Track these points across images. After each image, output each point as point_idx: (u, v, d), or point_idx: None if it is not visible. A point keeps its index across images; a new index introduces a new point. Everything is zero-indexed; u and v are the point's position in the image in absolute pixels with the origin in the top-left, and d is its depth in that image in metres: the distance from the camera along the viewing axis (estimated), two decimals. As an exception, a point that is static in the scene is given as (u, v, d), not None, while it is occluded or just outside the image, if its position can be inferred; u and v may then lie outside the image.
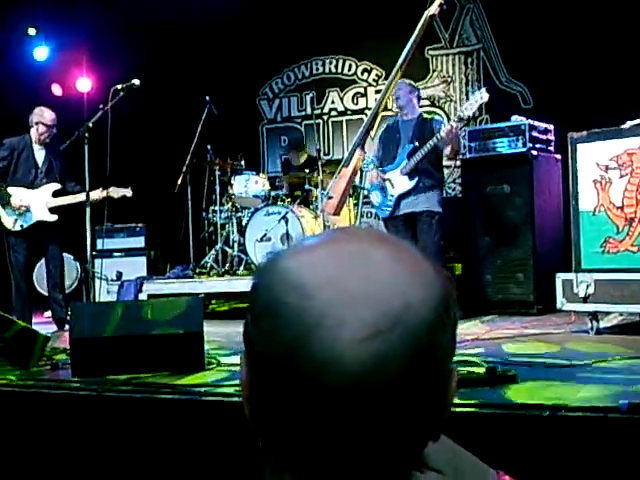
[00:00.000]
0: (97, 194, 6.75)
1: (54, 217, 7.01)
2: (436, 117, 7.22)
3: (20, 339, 4.61)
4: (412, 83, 7.32)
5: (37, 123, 6.99)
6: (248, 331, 0.77)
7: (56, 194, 7.04)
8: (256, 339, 0.75)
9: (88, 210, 6.36)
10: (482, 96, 6.29)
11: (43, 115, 6.99)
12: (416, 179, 6.54)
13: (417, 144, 6.53)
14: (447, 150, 6.54)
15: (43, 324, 7.05)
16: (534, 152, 6.81)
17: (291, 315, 0.71)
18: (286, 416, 0.73)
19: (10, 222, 6.92)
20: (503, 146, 6.92)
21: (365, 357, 0.69)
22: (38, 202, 6.96)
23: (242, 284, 7.46)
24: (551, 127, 7.17)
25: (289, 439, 0.73)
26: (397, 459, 0.74)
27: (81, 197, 6.64)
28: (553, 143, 7.16)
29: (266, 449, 0.77)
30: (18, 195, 6.90)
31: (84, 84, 10.51)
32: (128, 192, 7.07)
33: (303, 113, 10.43)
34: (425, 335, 0.72)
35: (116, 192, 6.96)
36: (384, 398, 0.70)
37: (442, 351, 0.74)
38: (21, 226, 6.93)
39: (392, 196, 6.67)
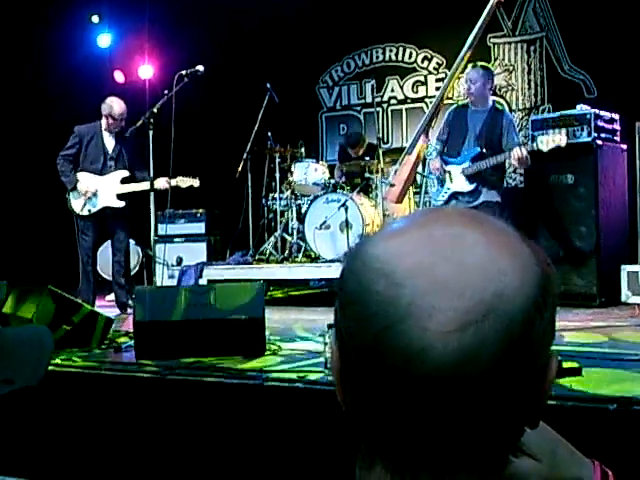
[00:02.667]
0: (164, 184, 6.85)
1: (121, 203, 7.14)
2: (507, 112, 7.10)
3: (86, 322, 4.69)
4: (488, 67, 7.15)
5: (106, 115, 7.12)
6: (337, 318, 0.75)
7: (124, 181, 7.16)
8: (344, 327, 0.73)
9: (152, 196, 6.43)
10: (561, 139, 6.18)
11: (112, 108, 7.11)
12: (475, 184, 6.50)
13: (484, 150, 6.45)
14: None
15: (105, 307, 7.16)
16: (599, 142, 6.68)
17: (380, 304, 0.69)
18: (376, 405, 0.71)
19: (78, 206, 7.08)
20: (568, 135, 6.80)
21: (456, 348, 0.67)
22: (106, 188, 7.09)
23: (301, 271, 7.48)
24: (617, 116, 7.03)
25: (379, 427, 0.72)
26: (491, 447, 0.72)
27: (147, 186, 6.74)
28: (619, 133, 7.02)
29: (358, 435, 0.76)
30: (86, 180, 7.04)
31: (146, 71, 10.61)
32: (195, 182, 7.18)
33: (362, 101, 10.39)
34: (519, 324, 0.68)
35: (183, 182, 7.07)
36: (476, 389, 0.68)
37: (538, 339, 0.71)
38: (89, 211, 7.09)
39: (448, 189, 6.63)
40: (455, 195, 6.59)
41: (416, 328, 0.67)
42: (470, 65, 6.80)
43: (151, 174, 6.56)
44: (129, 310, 6.66)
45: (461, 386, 0.68)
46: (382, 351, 0.69)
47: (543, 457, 0.95)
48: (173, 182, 6.92)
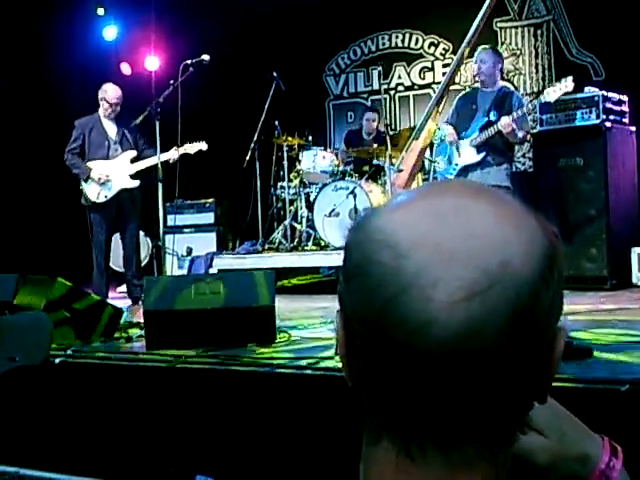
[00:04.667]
0: (173, 153, 6.90)
1: (136, 182, 7.23)
2: (517, 93, 7.10)
3: (90, 311, 4.69)
4: (498, 50, 7.15)
5: (101, 99, 7.19)
6: (340, 291, 0.75)
7: (134, 161, 7.21)
8: (347, 299, 0.73)
9: (160, 186, 6.44)
10: (567, 85, 6.19)
11: (107, 93, 7.21)
12: (484, 154, 6.50)
13: (492, 119, 6.47)
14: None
15: (117, 299, 7.19)
16: (608, 124, 6.65)
17: (384, 275, 0.68)
18: (381, 378, 0.71)
19: (94, 194, 7.13)
20: (576, 118, 6.77)
21: (460, 319, 0.66)
22: (118, 171, 7.16)
23: (311, 259, 7.49)
24: (625, 98, 6.99)
25: (385, 401, 0.72)
26: (498, 421, 0.72)
27: (156, 159, 6.79)
28: (627, 115, 6.98)
29: (364, 410, 0.76)
30: (98, 167, 7.10)
31: (152, 62, 10.60)
32: (203, 146, 7.22)
33: (370, 88, 10.37)
34: (526, 295, 0.68)
35: (191, 148, 7.12)
36: (482, 361, 0.67)
37: (544, 311, 0.70)
38: (105, 196, 7.14)
39: (457, 165, 6.63)
40: (465, 169, 6.60)
41: (420, 298, 0.67)
42: (480, 47, 6.80)
43: (159, 164, 6.57)
44: (141, 303, 6.70)
45: (466, 359, 0.67)
46: (386, 323, 0.68)
47: (551, 433, 0.95)
48: (181, 150, 6.96)
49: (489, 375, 0.68)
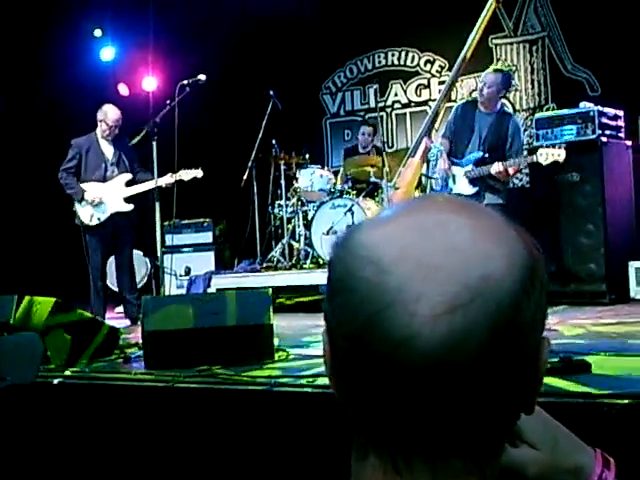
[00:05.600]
0: (167, 179, 6.90)
1: (130, 206, 7.19)
2: (515, 117, 7.13)
3: (86, 326, 4.66)
4: (509, 72, 7.11)
5: (100, 121, 7.19)
6: (324, 307, 0.75)
7: (129, 184, 7.20)
8: (332, 315, 0.74)
9: (158, 206, 6.45)
10: (560, 154, 6.23)
11: (107, 115, 7.20)
12: (477, 188, 6.54)
13: (486, 155, 6.50)
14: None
15: (115, 319, 7.18)
16: (604, 139, 6.67)
17: (367, 291, 0.69)
18: (366, 393, 0.71)
19: (87, 217, 7.10)
20: (572, 133, 6.79)
21: (443, 332, 0.67)
22: (112, 194, 7.14)
23: (309, 277, 7.48)
24: (621, 113, 7.01)
25: (371, 416, 0.72)
26: (484, 433, 0.72)
27: (153, 183, 6.78)
28: (623, 129, 7.00)
29: (352, 426, 0.76)
30: (91, 189, 7.08)
31: (150, 83, 10.64)
32: (199, 173, 7.21)
33: (366, 106, 10.41)
34: (507, 307, 0.68)
35: (186, 175, 7.10)
36: (466, 373, 0.68)
37: (527, 322, 0.71)
38: (98, 219, 7.11)
39: (451, 190, 6.64)
40: (459, 195, 6.61)
41: (404, 313, 0.67)
42: (491, 68, 6.81)
43: (156, 184, 6.58)
44: (140, 322, 6.69)
45: (449, 372, 0.68)
46: (370, 338, 0.69)
47: (542, 445, 0.95)
48: (176, 176, 6.95)
49: (474, 387, 0.69)
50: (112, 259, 7.55)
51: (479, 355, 0.68)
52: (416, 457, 0.72)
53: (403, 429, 0.71)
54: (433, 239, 0.70)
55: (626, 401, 2.80)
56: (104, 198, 7.08)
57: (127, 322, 7.03)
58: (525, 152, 6.81)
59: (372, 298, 0.69)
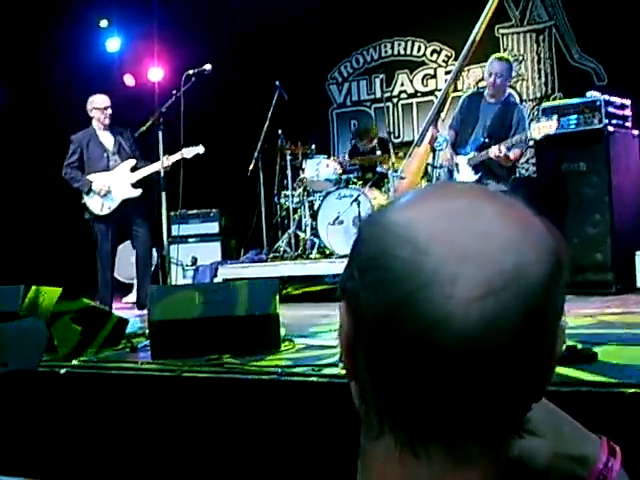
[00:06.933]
0: (169, 158, 6.88)
1: (138, 191, 7.22)
2: (521, 106, 7.11)
3: (95, 315, 4.67)
4: (510, 60, 7.09)
5: (91, 110, 7.22)
6: (351, 284, 0.74)
7: (134, 169, 7.22)
8: (362, 293, 0.72)
9: (164, 196, 6.45)
10: (551, 125, 6.22)
11: (93, 101, 7.27)
12: (480, 174, 6.53)
13: (486, 140, 6.49)
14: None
15: (123, 309, 7.20)
16: (610, 128, 6.63)
17: (402, 270, 0.69)
18: (391, 372, 0.71)
19: (97, 207, 7.13)
20: (579, 123, 6.76)
21: (478, 317, 0.67)
22: (119, 182, 7.16)
23: (315, 267, 7.49)
24: (628, 102, 6.98)
25: (392, 396, 0.72)
26: (501, 419, 0.73)
27: (158, 165, 6.79)
28: (630, 119, 6.97)
29: (366, 404, 0.76)
30: (98, 180, 7.10)
31: (156, 73, 10.63)
32: (200, 149, 7.20)
33: (372, 96, 10.38)
34: (538, 294, 0.69)
35: (188, 152, 7.08)
36: (496, 359, 0.68)
37: (555, 310, 0.72)
38: (109, 208, 7.13)
39: (455, 180, 6.63)
40: None
41: (439, 295, 0.67)
42: (495, 57, 6.77)
43: (162, 174, 6.58)
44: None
45: (481, 356, 0.68)
46: (403, 318, 0.68)
47: (548, 435, 0.95)
48: (178, 155, 6.93)
49: (501, 372, 0.69)
50: (121, 250, 7.56)
51: (511, 340, 0.68)
52: (434, 439, 0.72)
53: (426, 411, 0.71)
54: (467, 224, 0.70)
55: (632, 390, 2.81)
56: (112, 187, 7.11)
57: (134, 312, 7.03)
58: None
59: (408, 277, 0.68)
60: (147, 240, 7.33)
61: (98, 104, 7.22)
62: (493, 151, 6.37)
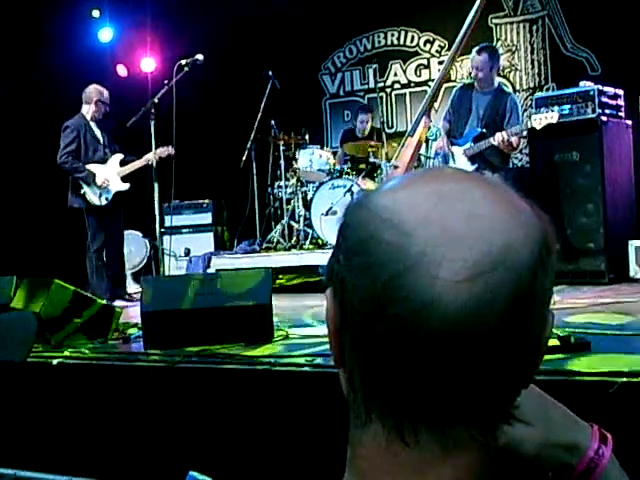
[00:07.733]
0: (134, 165, 6.99)
1: (127, 185, 7.33)
2: (513, 95, 7.14)
3: (100, 316, 4.68)
4: (494, 48, 7.17)
5: (94, 101, 7.20)
6: (337, 268, 0.74)
7: (122, 163, 7.27)
8: (348, 277, 0.72)
9: (156, 187, 6.44)
10: (553, 116, 6.24)
11: (102, 93, 7.27)
12: (476, 165, 6.55)
13: (484, 130, 6.52)
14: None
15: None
16: (604, 118, 6.63)
17: (389, 252, 0.68)
18: (378, 355, 0.70)
19: (96, 198, 7.18)
20: (572, 113, 6.76)
21: (465, 299, 0.66)
22: (112, 174, 7.22)
23: (309, 258, 7.49)
24: (621, 92, 6.98)
25: (380, 381, 0.72)
26: (490, 402, 0.72)
27: (144, 160, 6.99)
28: (623, 109, 6.98)
29: (351, 390, 0.75)
30: (100, 172, 7.12)
31: (148, 64, 10.60)
32: (170, 150, 7.11)
33: (366, 87, 10.37)
34: (526, 277, 0.69)
35: (162, 153, 7.03)
36: (483, 342, 0.68)
37: (543, 294, 0.72)
38: (106, 199, 7.21)
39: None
40: None
41: (426, 277, 0.67)
42: (474, 50, 6.80)
43: (154, 165, 6.58)
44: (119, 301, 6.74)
45: (468, 338, 0.67)
46: (389, 301, 0.68)
47: (538, 423, 0.95)
48: (150, 155, 6.89)
49: (489, 355, 0.69)
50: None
51: (498, 323, 0.68)
52: (422, 424, 0.71)
53: (413, 394, 0.70)
54: (454, 206, 0.70)
55: (624, 379, 2.81)
56: (109, 179, 7.16)
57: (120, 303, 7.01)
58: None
59: (394, 260, 0.68)
60: (122, 235, 7.52)
61: (105, 98, 7.27)
62: (498, 138, 6.40)
